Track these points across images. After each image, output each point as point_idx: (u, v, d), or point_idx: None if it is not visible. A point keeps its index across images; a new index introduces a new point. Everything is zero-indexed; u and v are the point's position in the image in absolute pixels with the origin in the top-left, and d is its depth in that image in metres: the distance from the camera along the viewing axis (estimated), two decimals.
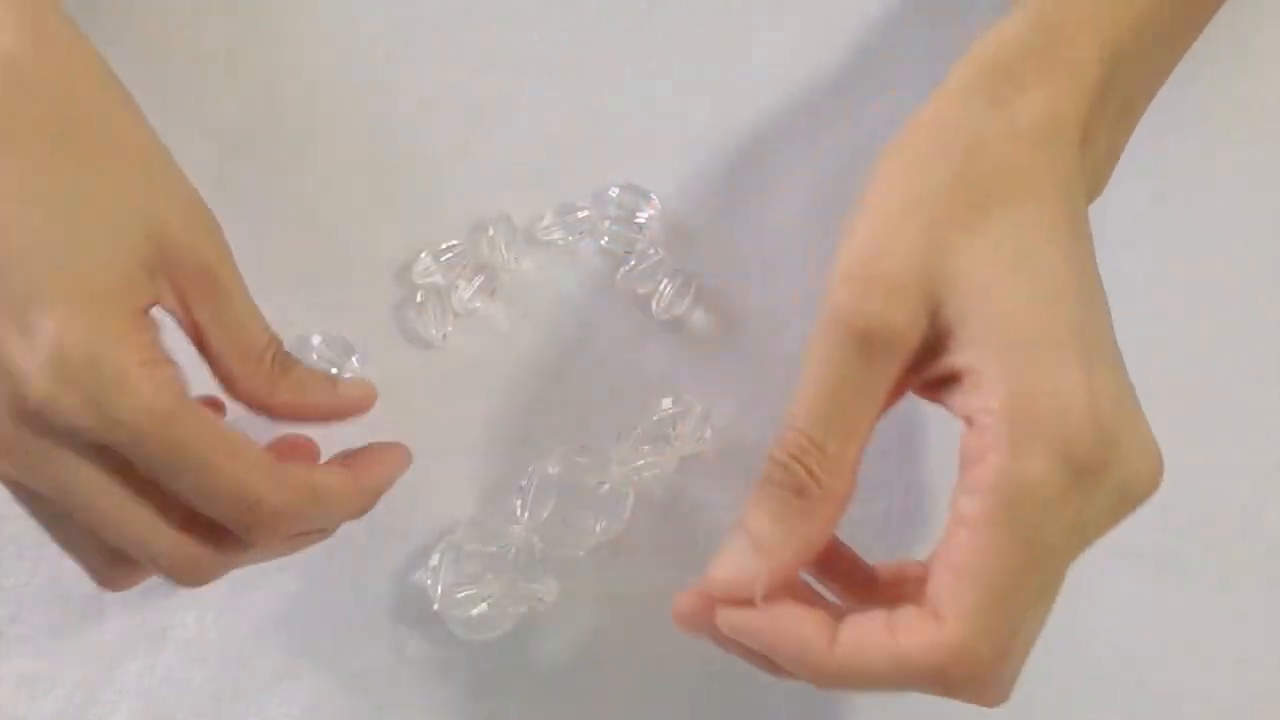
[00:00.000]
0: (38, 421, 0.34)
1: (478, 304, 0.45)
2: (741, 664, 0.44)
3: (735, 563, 0.35)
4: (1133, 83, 0.39)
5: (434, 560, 0.43)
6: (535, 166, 0.47)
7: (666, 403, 0.44)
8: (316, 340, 0.45)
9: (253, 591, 0.44)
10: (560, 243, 0.46)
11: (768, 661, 0.35)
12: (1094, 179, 0.39)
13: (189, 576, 0.37)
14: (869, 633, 0.33)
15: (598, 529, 0.44)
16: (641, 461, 0.44)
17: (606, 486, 0.44)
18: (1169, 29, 0.40)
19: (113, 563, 0.37)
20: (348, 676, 0.44)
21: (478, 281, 0.45)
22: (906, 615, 0.33)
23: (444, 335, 0.45)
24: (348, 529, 0.44)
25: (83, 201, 0.35)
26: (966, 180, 0.34)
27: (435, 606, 0.43)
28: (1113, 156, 0.40)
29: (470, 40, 0.47)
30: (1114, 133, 0.39)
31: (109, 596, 0.44)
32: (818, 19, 0.48)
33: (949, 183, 0.34)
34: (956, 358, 0.33)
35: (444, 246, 0.45)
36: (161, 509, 0.36)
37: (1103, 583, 0.45)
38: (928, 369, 0.34)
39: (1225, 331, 0.46)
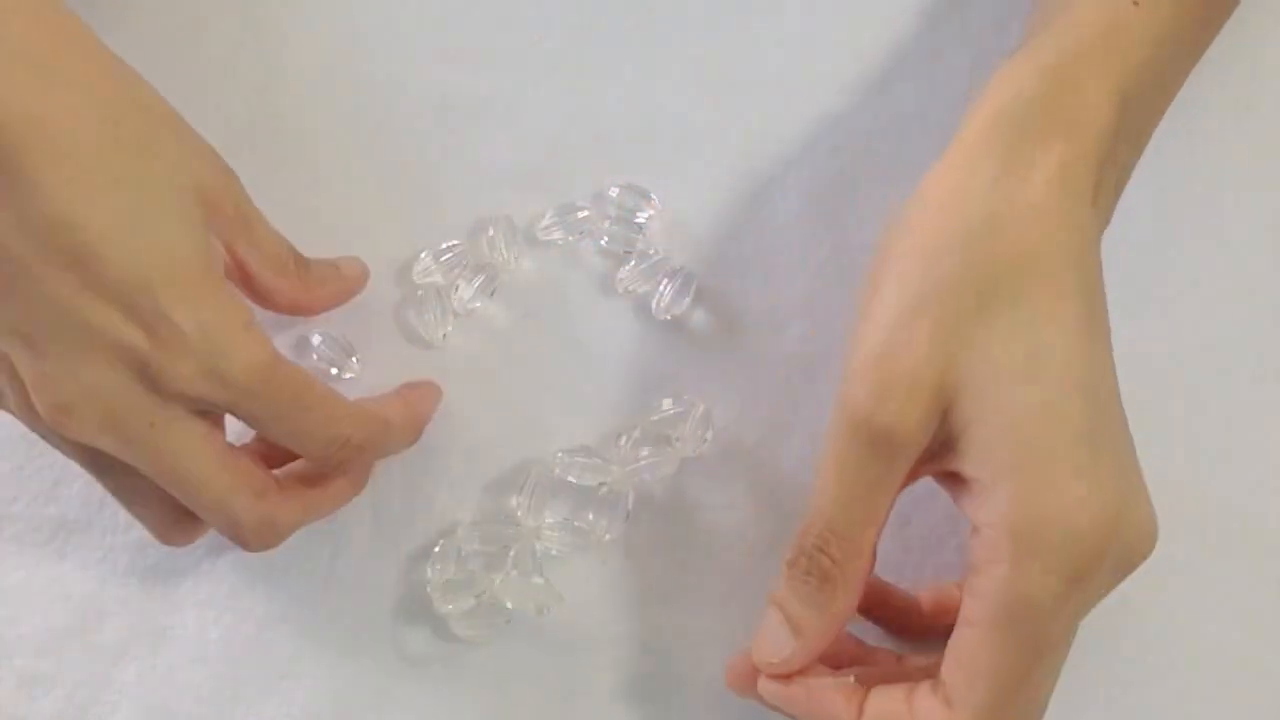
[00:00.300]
0: (155, 392, 0.36)
1: (477, 304, 0.45)
2: None
3: (773, 640, 0.38)
4: (1143, 117, 0.39)
5: (434, 560, 0.43)
6: (535, 166, 0.47)
7: (667, 403, 0.44)
8: (317, 340, 0.45)
9: (253, 591, 0.44)
10: (560, 243, 0.46)
11: None
12: (1104, 213, 0.39)
13: (263, 538, 0.39)
14: (890, 704, 0.36)
15: (598, 529, 0.44)
16: (641, 462, 0.44)
17: (606, 486, 0.44)
18: (1177, 58, 0.40)
19: (178, 521, 0.40)
20: (348, 676, 0.44)
21: (478, 282, 0.45)
22: (923, 694, 0.36)
23: (444, 335, 0.45)
24: (348, 529, 0.44)
25: (142, 182, 0.36)
26: (979, 270, 0.35)
27: (434, 606, 0.43)
28: (1121, 186, 0.40)
29: (470, 40, 0.47)
30: (1125, 167, 0.39)
31: (109, 596, 0.44)
32: (818, 19, 0.48)
33: (961, 274, 0.35)
34: (964, 464, 0.35)
35: (444, 246, 0.45)
36: (243, 477, 0.39)
37: None
38: (940, 464, 0.36)
39: (1225, 331, 0.46)
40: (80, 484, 0.45)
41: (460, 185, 0.46)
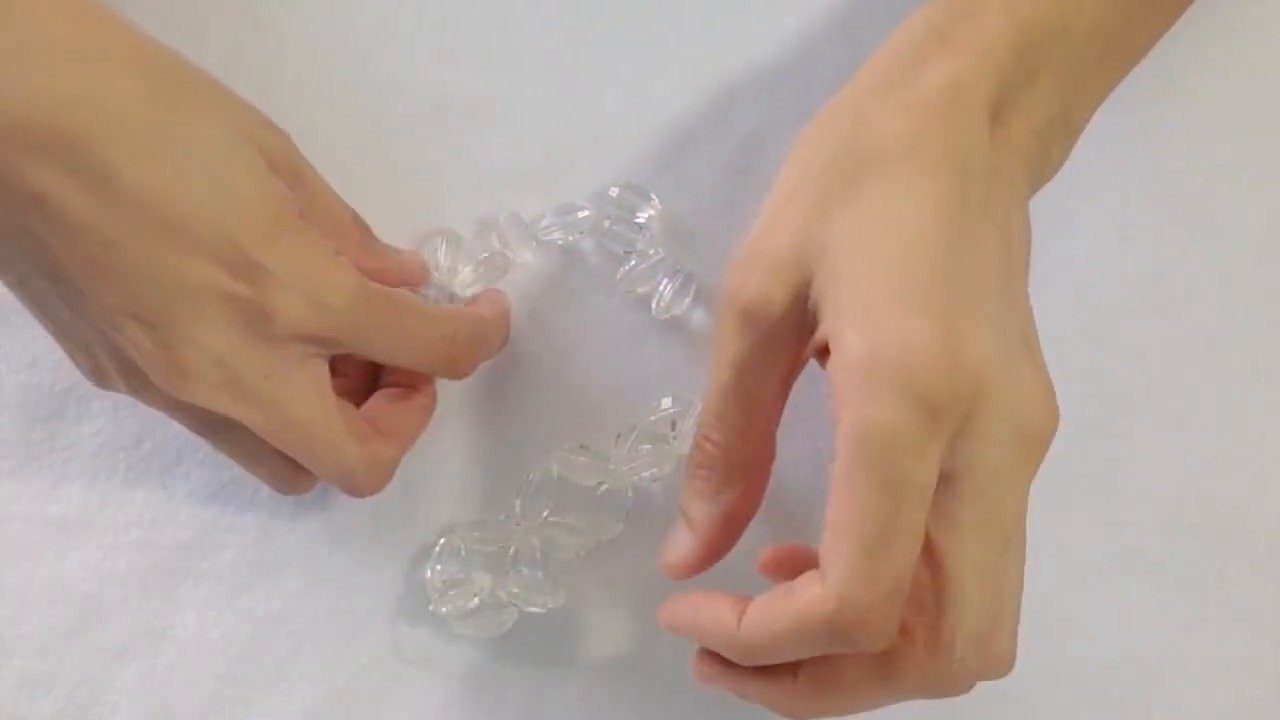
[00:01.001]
0: (267, 341, 0.37)
1: (478, 287, 0.45)
2: None
3: (672, 541, 0.39)
4: (1070, 64, 0.38)
5: (433, 560, 0.43)
6: (535, 166, 0.47)
7: (666, 402, 0.44)
8: None
9: (253, 591, 0.44)
10: (560, 243, 0.46)
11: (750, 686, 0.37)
12: (1040, 162, 0.38)
13: (374, 480, 0.41)
14: (771, 601, 0.34)
15: (597, 528, 0.44)
16: (641, 461, 0.44)
17: (606, 486, 0.44)
18: (1111, 11, 0.39)
19: (295, 473, 0.41)
20: (348, 676, 0.44)
21: (481, 268, 0.45)
22: (804, 581, 0.34)
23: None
24: (348, 529, 0.44)
25: (204, 143, 0.37)
26: (849, 155, 0.35)
27: (430, 607, 0.43)
28: (1060, 138, 0.39)
29: (470, 40, 0.47)
30: (1057, 114, 0.38)
31: (109, 596, 0.44)
32: (817, 19, 0.48)
33: (828, 162, 0.35)
34: (825, 325, 0.34)
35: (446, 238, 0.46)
36: (350, 423, 0.40)
37: (1103, 583, 0.45)
38: (813, 344, 0.35)
39: (1225, 331, 0.46)
40: (80, 484, 0.45)
41: (460, 185, 0.46)
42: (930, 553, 0.33)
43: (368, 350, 0.40)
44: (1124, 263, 0.46)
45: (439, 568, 0.43)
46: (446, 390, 0.45)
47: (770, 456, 0.38)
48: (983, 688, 0.44)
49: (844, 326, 0.33)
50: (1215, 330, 0.46)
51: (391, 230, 0.46)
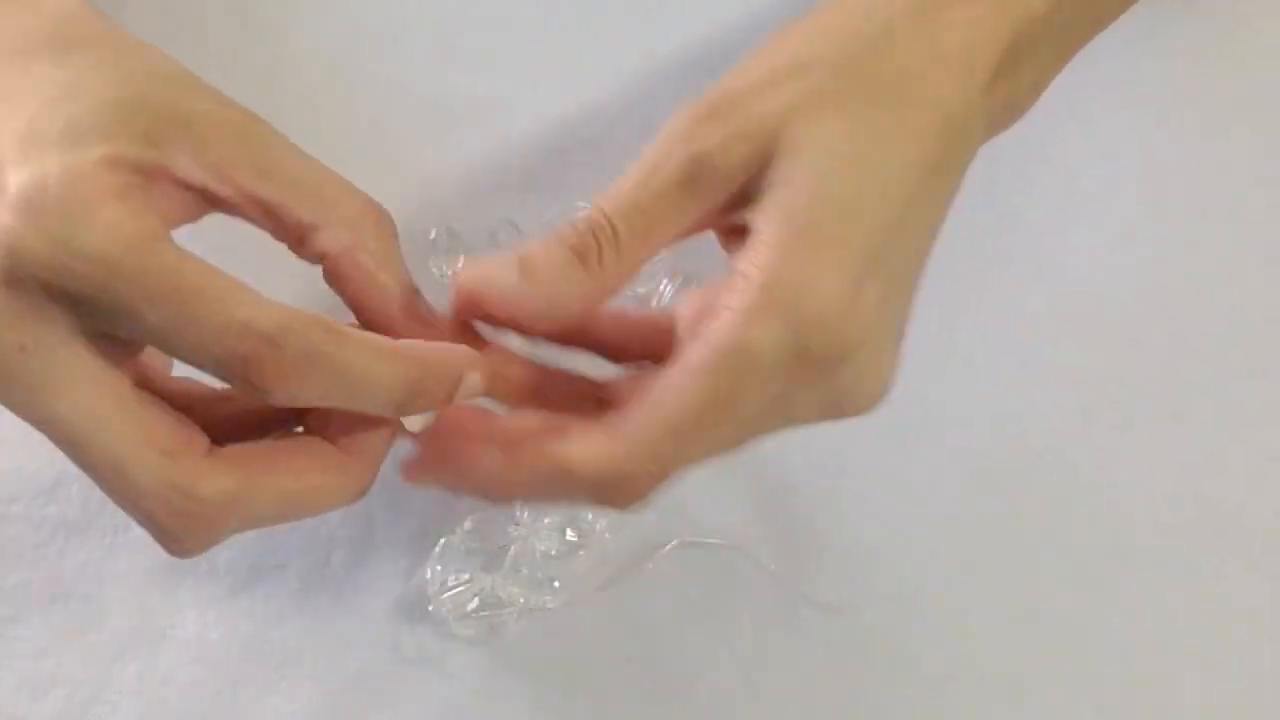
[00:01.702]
0: (10, 283, 0.30)
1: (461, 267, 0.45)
2: (743, 663, 0.44)
3: (497, 269, 0.34)
4: (1059, 34, 0.38)
5: (433, 560, 0.43)
6: (535, 166, 0.47)
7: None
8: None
9: (253, 591, 0.44)
10: None
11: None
12: (1008, 110, 0.38)
13: (175, 518, 0.31)
14: (540, 444, 0.33)
15: (598, 529, 0.44)
16: None
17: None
18: None
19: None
20: (347, 676, 0.44)
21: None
22: (580, 429, 0.33)
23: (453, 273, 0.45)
24: (348, 528, 0.44)
25: (57, 77, 0.32)
26: (862, 64, 0.34)
27: (430, 607, 0.43)
28: (1037, 90, 0.39)
29: (470, 40, 0.47)
30: (1043, 70, 0.39)
31: (109, 596, 0.44)
32: None
33: (844, 60, 0.34)
34: (755, 214, 0.33)
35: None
36: (148, 426, 0.31)
37: (1103, 582, 0.45)
38: (733, 213, 0.34)
39: (1225, 331, 0.46)
40: (80, 484, 0.45)
41: (460, 185, 0.46)
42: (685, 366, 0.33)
43: (135, 329, 0.31)
44: (1124, 262, 0.46)
45: (439, 568, 0.43)
46: None
47: (621, 287, 0.35)
48: (983, 688, 0.44)
49: (771, 236, 0.33)
50: (1215, 330, 0.46)
51: None
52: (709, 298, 0.34)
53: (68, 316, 0.31)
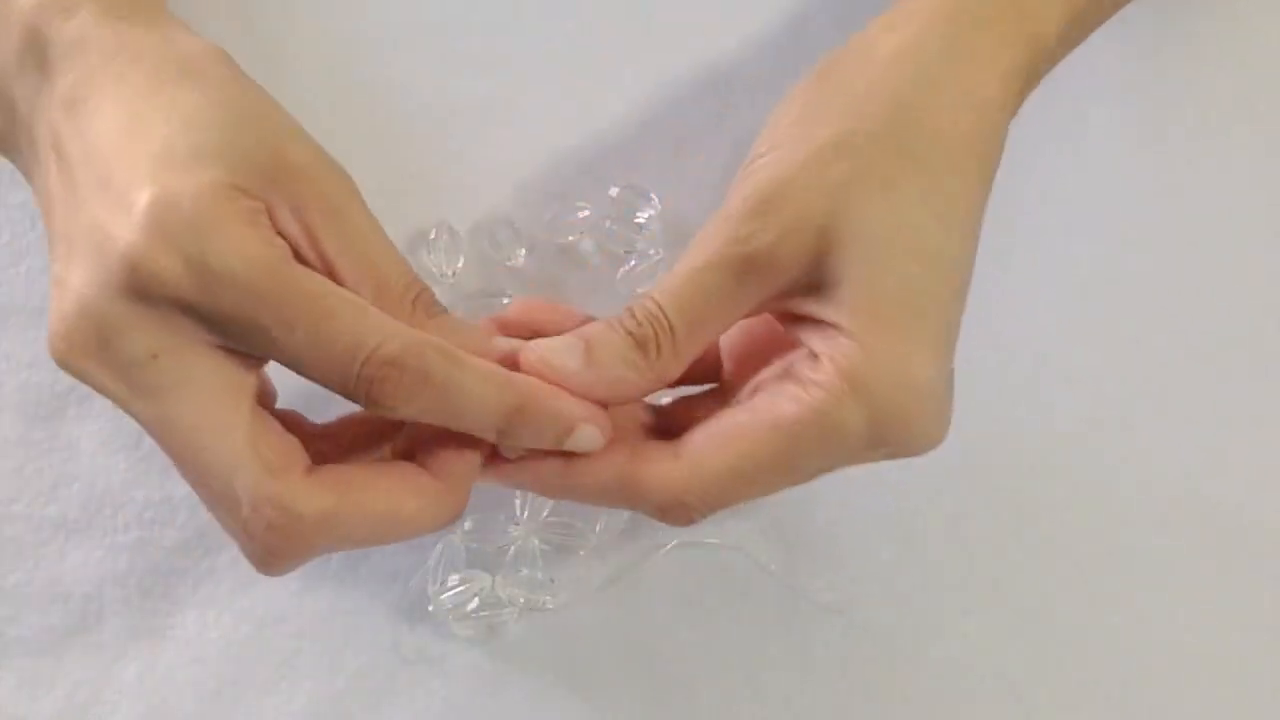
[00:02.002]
0: (139, 297, 0.31)
1: (461, 265, 0.46)
2: (743, 663, 0.44)
3: (563, 350, 0.35)
4: (1076, 41, 0.40)
5: (434, 560, 0.43)
6: (535, 167, 0.47)
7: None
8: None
9: (253, 591, 0.44)
10: (560, 243, 0.46)
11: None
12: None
13: (270, 534, 0.32)
14: (610, 458, 0.36)
15: (598, 529, 0.44)
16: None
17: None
18: None
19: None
20: (347, 676, 0.44)
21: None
22: (649, 451, 0.36)
23: (454, 273, 0.45)
24: None
25: (183, 107, 0.34)
26: (903, 131, 0.34)
27: (430, 607, 0.43)
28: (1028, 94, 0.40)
29: (471, 41, 0.47)
30: (1037, 82, 0.39)
31: (109, 596, 0.44)
32: (817, 19, 0.48)
33: (885, 130, 0.34)
34: (827, 311, 0.34)
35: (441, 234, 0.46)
36: (260, 441, 0.32)
37: (1103, 582, 0.45)
38: (796, 304, 0.35)
39: (1225, 331, 0.46)
40: (80, 484, 0.45)
41: (460, 185, 0.46)
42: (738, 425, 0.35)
43: (257, 345, 0.32)
44: (1124, 262, 0.46)
45: (439, 568, 0.43)
46: None
47: (675, 376, 0.36)
48: (983, 688, 0.44)
49: (857, 332, 0.34)
50: (1215, 330, 0.46)
51: (391, 230, 0.46)
52: (755, 333, 0.38)
53: (196, 326, 0.32)
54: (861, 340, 0.34)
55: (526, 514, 0.44)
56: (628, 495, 0.36)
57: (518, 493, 0.44)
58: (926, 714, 0.44)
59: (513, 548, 0.44)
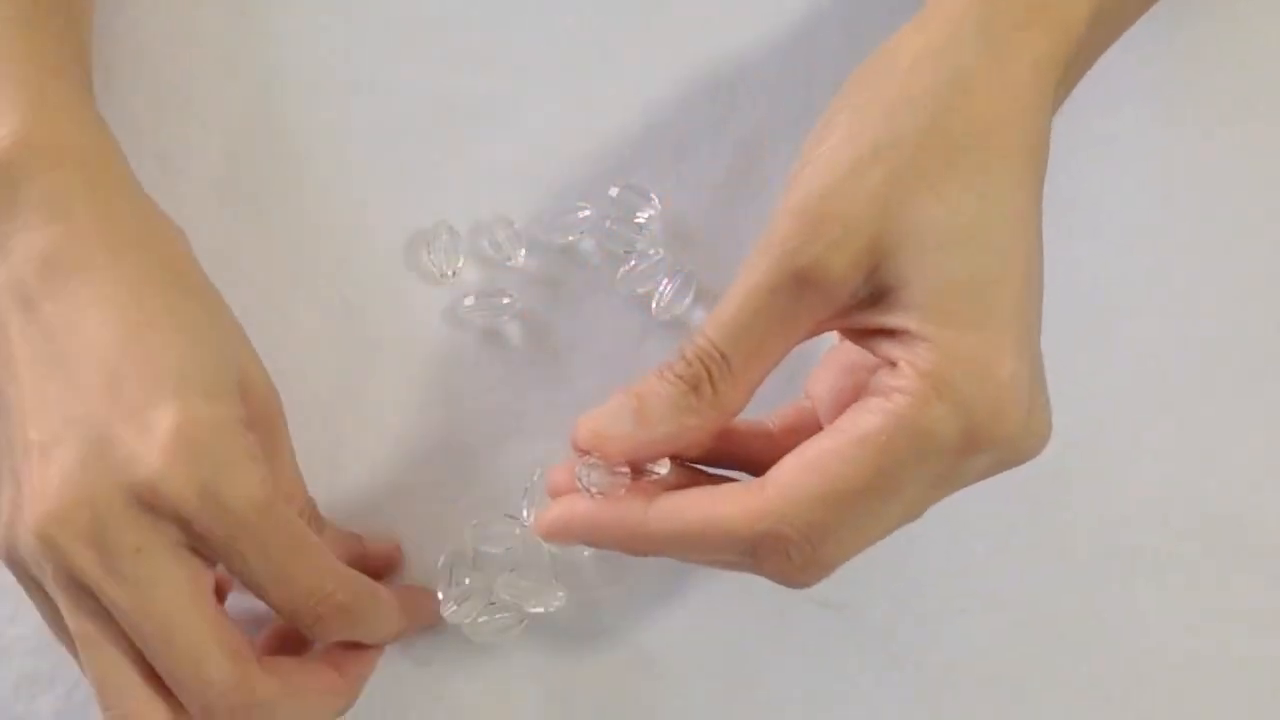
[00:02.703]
0: (145, 506, 0.34)
1: (461, 267, 0.46)
2: (743, 663, 0.44)
3: (612, 416, 0.36)
4: (1109, 34, 0.39)
5: (441, 563, 0.43)
6: (535, 166, 0.47)
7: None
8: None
9: None
10: (560, 243, 0.46)
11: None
12: (1058, 104, 0.38)
13: (233, 712, 0.36)
14: (689, 497, 0.35)
15: None
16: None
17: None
18: None
19: (147, 697, 0.36)
20: None
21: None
22: (732, 486, 0.35)
23: (454, 272, 0.46)
24: (347, 528, 0.44)
25: (184, 320, 0.36)
26: (941, 129, 0.34)
27: (447, 617, 0.42)
28: (1068, 93, 0.39)
29: (470, 40, 0.47)
30: (1088, 64, 0.39)
31: None
32: (818, 19, 0.48)
33: (923, 129, 0.34)
34: (894, 318, 0.33)
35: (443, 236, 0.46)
36: (225, 632, 0.36)
37: (1104, 583, 0.45)
38: (861, 318, 0.34)
39: (1225, 332, 0.46)
40: None
41: (460, 185, 0.46)
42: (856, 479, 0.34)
43: (236, 565, 0.36)
44: (1124, 263, 0.46)
45: (445, 573, 0.43)
46: (446, 390, 0.45)
47: (741, 409, 0.36)
48: (983, 687, 0.44)
49: (926, 333, 0.33)
50: (1215, 330, 0.46)
51: (392, 230, 0.46)
52: (840, 381, 0.37)
53: (181, 533, 0.35)
54: (935, 339, 0.33)
55: (531, 516, 0.43)
56: (713, 536, 0.34)
57: (522, 495, 0.43)
58: (926, 714, 0.44)
59: (518, 548, 0.43)
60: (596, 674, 0.44)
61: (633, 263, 0.45)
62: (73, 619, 0.36)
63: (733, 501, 0.34)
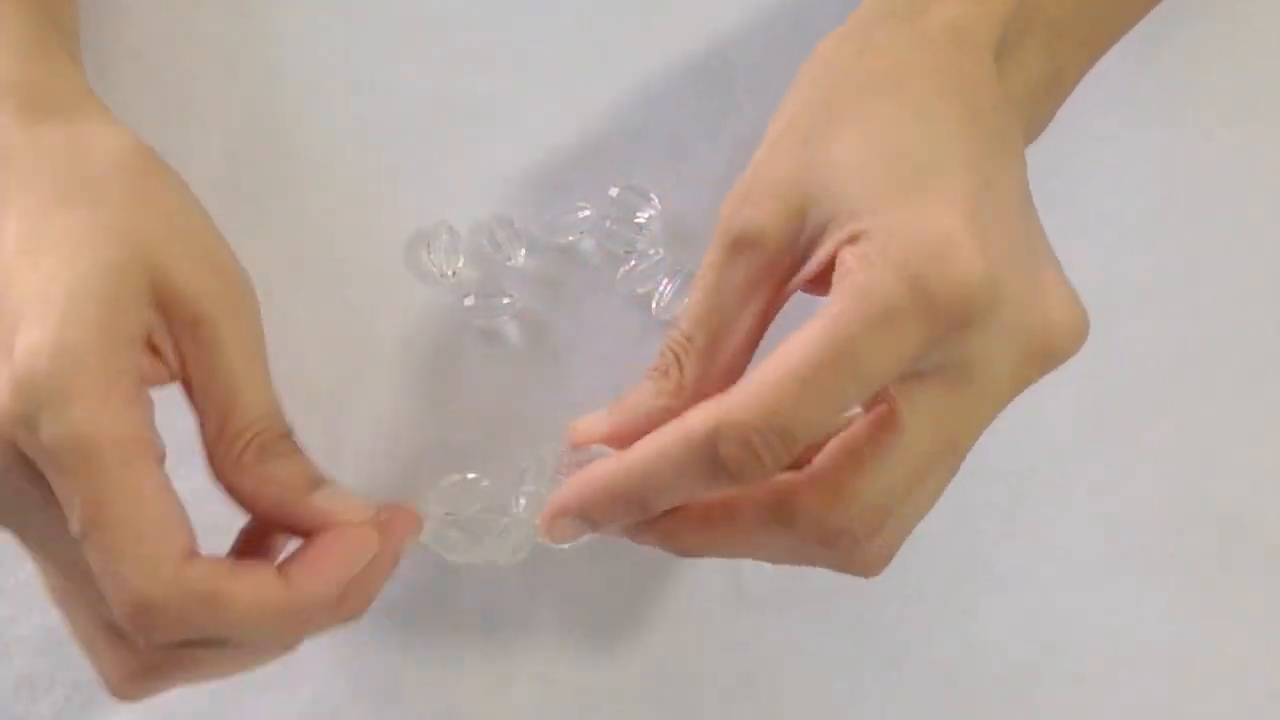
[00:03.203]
0: (6, 446, 0.32)
1: (461, 267, 0.45)
2: (743, 663, 0.44)
3: (594, 418, 0.37)
4: (1063, 24, 0.38)
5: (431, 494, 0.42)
6: (535, 166, 0.47)
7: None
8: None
9: None
10: (560, 243, 0.46)
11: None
12: (1030, 120, 0.38)
13: (119, 687, 0.35)
14: (663, 428, 0.33)
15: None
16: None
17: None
18: None
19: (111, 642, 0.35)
20: (348, 676, 0.44)
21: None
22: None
23: (454, 272, 0.45)
24: None
25: (66, 235, 0.34)
26: (849, 83, 0.34)
27: (426, 539, 0.41)
28: (1048, 99, 0.39)
29: (470, 40, 0.47)
30: (1048, 72, 0.38)
31: None
32: (817, 19, 0.48)
33: (833, 88, 0.35)
34: (832, 241, 0.33)
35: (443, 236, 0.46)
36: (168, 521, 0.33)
37: (1103, 582, 0.45)
38: (811, 267, 0.34)
39: (1225, 331, 0.46)
40: None
41: (460, 185, 0.46)
42: (887, 416, 0.32)
43: (50, 521, 0.33)
44: (1123, 263, 0.46)
45: (435, 498, 0.42)
46: (445, 390, 0.45)
47: (726, 386, 0.34)
48: (983, 687, 0.44)
49: (856, 231, 0.32)
50: (1215, 330, 0.46)
51: (392, 230, 0.46)
52: None
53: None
54: (868, 228, 0.31)
55: (524, 506, 0.43)
56: (674, 446, 0.32)
57: (514, 495, 0.42)
58: (927, 713, 0.44)
59: (510, 517, 0.43)
60: (593, 674, 0.44)
61: (633, 263, 0.45)
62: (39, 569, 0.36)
63: (694, 412, 0.32)
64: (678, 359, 0.35)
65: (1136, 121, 0.47)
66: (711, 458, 0.32)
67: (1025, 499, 0.45)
